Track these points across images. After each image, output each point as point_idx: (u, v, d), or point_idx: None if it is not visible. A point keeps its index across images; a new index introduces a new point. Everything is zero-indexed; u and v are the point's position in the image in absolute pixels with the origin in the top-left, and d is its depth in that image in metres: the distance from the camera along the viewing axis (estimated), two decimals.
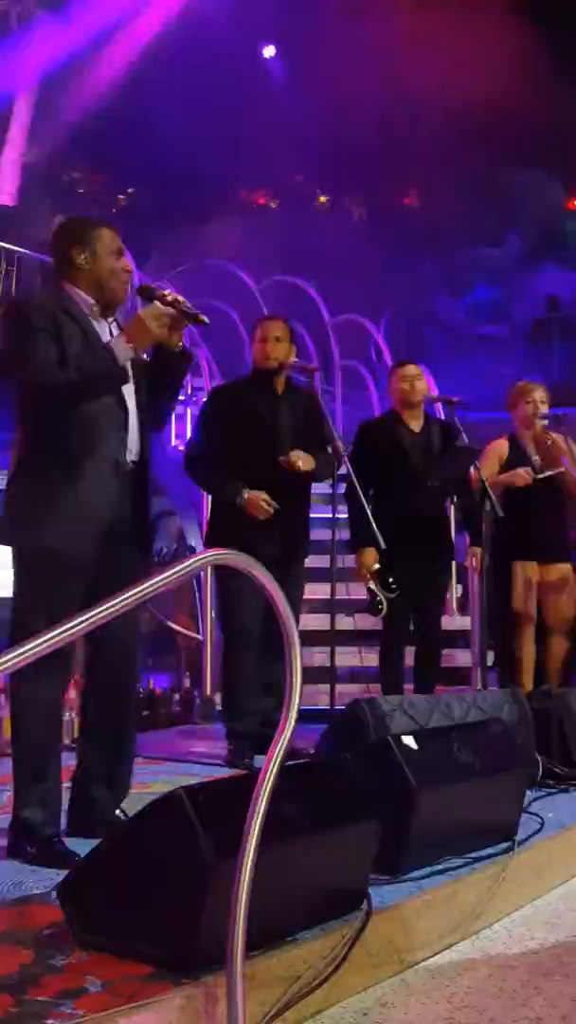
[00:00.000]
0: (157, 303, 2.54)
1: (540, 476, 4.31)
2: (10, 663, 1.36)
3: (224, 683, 3.99)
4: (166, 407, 2.81)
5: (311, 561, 4.07)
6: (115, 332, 2.63)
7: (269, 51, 14.73)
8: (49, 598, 2.45)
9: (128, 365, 2.50)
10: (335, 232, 15.15)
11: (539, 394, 4.52)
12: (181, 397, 2.86)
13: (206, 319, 2.58)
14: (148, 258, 11.03)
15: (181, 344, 2.64)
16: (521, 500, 4.27)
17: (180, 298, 2.58)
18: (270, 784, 1.65)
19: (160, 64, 12.83)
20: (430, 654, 4.25)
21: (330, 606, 4.08)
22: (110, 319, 2.67)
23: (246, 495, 3.67)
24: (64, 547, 2.49)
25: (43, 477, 2.52)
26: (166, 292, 2.61)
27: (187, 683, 5.48)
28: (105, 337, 2.60)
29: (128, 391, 2.61)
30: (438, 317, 14.75)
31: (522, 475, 4.28)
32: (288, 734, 1.67)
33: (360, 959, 2.03)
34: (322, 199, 16.38)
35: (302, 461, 3.70)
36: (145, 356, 2.68)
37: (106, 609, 1.52)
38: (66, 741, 2.82)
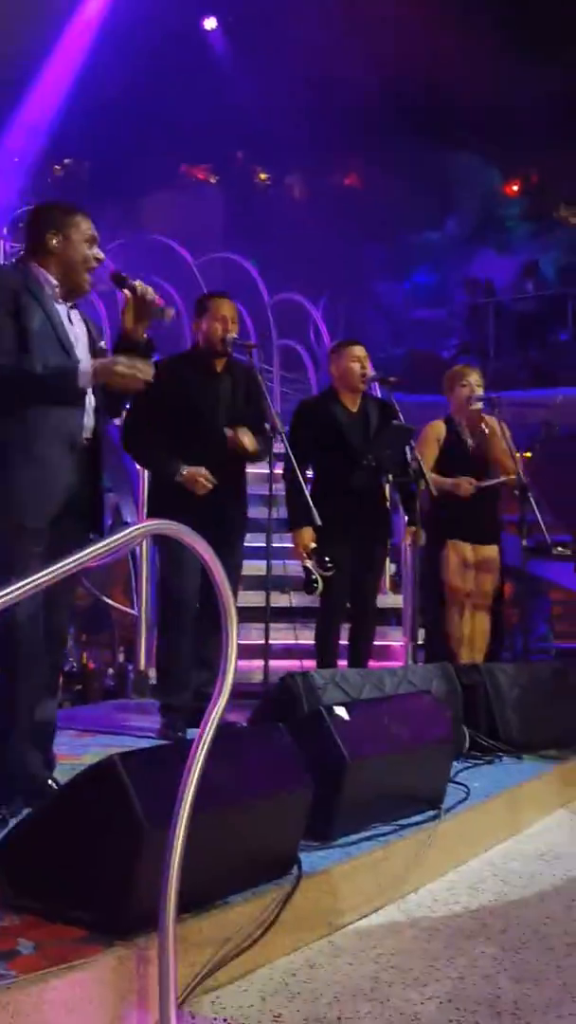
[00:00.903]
0: (131, 363, 2.56)
1: (483, 486, 4.42)
2: None
3: (159, 655, 3.99)
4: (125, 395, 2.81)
5: (248, 539, 4.08)
6: (74, 319, 2.68)
7: (211, 23, 14.53)
8: (13, 570, 2.43)
9: (88, 390, 2.58)
10: (275, 210, 15.10)
11: (474, 377, 4.60)
12: None
13: (172, 312, 2.66)
14: None
15: (145, 336, 2.69)
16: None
17: (150, 290, 2.65)
18: (204, 750, 1.68)
19: (101, 34, 12.59)
20: (365, 631, 4.31)
21: (265, 583, 4.11)
22: (70, 304, 2.68)
23: (184, 471, 3.68)
24: (23, 519, 2.52)
25: (3, 452, 2.54)
26: (136, 283, 2.67)
27: (121, 658, 5.47)
28: (64, 320, 2.63)
29: None
30: (377, 299, 14.84)
31: (466, 486, 4.38)
32: (224, 698, 1.69)
33: (289, 922, 2.08)
34: (262, 176, 16.29)
35: (247, 440, 3.73)
36: (104, 344, 2.72)
37: (40, 578, 1.52)
38: None
